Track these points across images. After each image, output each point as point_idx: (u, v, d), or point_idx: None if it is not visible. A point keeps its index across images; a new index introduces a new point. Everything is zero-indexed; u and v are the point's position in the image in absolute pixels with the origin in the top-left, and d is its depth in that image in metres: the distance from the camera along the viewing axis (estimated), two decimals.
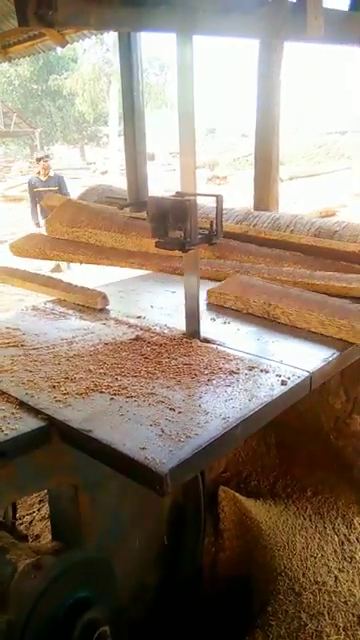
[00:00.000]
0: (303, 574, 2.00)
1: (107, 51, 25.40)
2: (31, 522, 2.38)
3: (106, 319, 2.07)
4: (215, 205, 1.70)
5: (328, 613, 1.86)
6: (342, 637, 1.78)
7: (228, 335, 1.88)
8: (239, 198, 7.33)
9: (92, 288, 2.30)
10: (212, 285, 2.24)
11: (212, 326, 1.96)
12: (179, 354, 1.70)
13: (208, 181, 18.84)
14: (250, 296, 2.09)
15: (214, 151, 21.54)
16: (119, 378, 1.53)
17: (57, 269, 7.27)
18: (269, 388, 1.48)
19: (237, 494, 2.37)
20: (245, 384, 1.50)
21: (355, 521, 2.26)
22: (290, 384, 1.51)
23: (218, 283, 2.26)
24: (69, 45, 6.00)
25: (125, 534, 1.70)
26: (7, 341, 1.83)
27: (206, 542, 2.15)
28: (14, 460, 1.26)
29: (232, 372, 1.57)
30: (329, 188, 14.44)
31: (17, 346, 1.79)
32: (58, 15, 1.20)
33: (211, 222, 1.69)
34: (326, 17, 1.62)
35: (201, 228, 1.68)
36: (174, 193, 1.74)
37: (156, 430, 1.26)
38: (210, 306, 2.18)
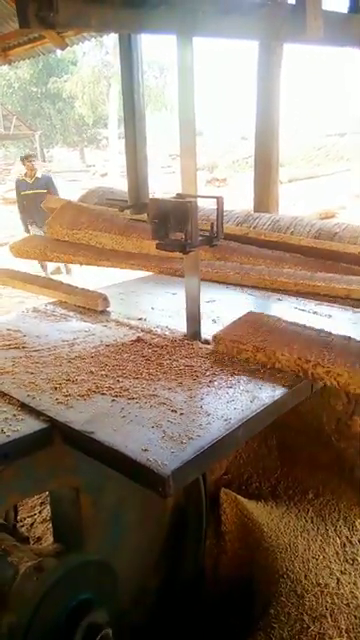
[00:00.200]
0: (305, 576, 1.99)
1: (107, 54, 25.42)
2: (32, 524, 2.37)
3: (107, 321, 2.07)
4: (215, 207, 1.70)
5: (330, 615, 1.85)
6: None
7: None
8: (239, 200, 7.34)
9: (93, 290, 2.31)
10: (213, 287, 2.22)
11: (213, 328, 1.96)
12: (180, 356, 1.70)
13: (207, 183, 18.87)
14: (276, 347, 1.62)
15: (214, 154, 21.55)
16: (121, 380, 1.53)
17: (57, 271, 7.27)
18: (271, 389, 1.48)
19: (239, 496, 2.36)
20: (247, 385, 1.50)
21: (357, 523, 2.25)
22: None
23: (222, 327, 1.81)
24: (69, 48, 6.02)
25: (127, 536, 1.69)
26: (8, 343, 1.83)
27: (208, 544, 2.15)
28: (16, 462, 1.26)
29: (233, 373, 1.57)
30: (328, 190, 14.45)
31: (18, 348, 1.79)
32: (59, 17, 1.21)
33: (212, 224, 1.69)
34: (325, 19, 1.62)
35: (202, 230, 1.69)
36: (175, 195, 1.74)
37: (158, 432, 1.26)
38: (218, 356, 1.68)
